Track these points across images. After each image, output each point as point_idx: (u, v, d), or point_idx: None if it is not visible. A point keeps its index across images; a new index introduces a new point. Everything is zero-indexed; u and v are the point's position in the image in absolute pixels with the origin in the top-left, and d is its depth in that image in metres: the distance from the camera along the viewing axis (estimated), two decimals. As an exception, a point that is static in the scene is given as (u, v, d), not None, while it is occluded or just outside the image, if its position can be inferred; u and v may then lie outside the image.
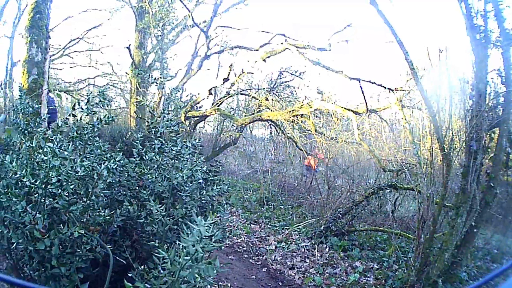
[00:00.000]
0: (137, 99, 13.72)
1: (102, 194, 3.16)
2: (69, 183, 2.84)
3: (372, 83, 9.02)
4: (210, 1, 16.37)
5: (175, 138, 3.54)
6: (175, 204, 3.32)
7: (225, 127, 15.28)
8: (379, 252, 7.69)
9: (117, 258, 3.05)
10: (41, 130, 3.22)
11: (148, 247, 3.20)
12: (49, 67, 7.27)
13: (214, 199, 3.56)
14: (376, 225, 8.71)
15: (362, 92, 8.87)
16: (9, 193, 2.60)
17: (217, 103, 12.44)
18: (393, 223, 8.42)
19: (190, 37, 15.94)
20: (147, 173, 3.47)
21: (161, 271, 2.53)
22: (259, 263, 7.14)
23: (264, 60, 11.36)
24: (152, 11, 13.45)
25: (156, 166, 3.55)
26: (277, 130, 13.73)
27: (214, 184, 3.53)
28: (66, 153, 2.82)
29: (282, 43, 11.03)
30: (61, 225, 2.76)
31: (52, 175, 2.72)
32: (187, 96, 12.48)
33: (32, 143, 3.08)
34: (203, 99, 11.77)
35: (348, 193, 9.68)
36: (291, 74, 12.93)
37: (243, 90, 13.43)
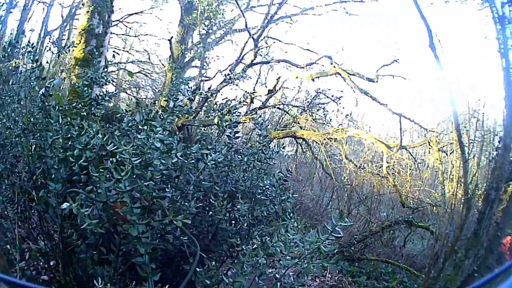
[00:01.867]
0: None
1: (200, 186, 3.32)
2: (174, 170, 3.13)
3: (411, 120, 9.48)
4: (259, 10, 16.95)
5: (262, 142, 3.85)
6: (254, 206, 3.56)
7: (252, 137, 15.17)
8: (384, 283, 8.09)
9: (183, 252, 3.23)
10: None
11: (225, 243, 3.56)
12: (108, 42, 7.31)
13: (288, 205, 3.78)
14: (386, 257, 9.08)
15: (401, 128, 9.32)
16: (115, 168, 2.76)
17: (251, 112, 12.65)
18: (401, 257, 8.92)
19: (232, 43, 16.10)
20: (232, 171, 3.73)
21: (245, 268, 2.90)
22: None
23: (312, 80, 11.67)
24: (200, 8, 13.91)
25: (242, 166, 3.78)
26: (303, 149, 14.04)
27: (286, 191, 3.81)
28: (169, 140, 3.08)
29: (334, 66, 11.21)
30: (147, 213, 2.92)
31: (155, 159, 2.90)
32: (223, 99, 12.49)
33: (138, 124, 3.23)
34: (242, 105, 11.79)
35: (366, 222, 10.16)
36: (327, 97, 13.22)
37: (280, 104, 13.90)
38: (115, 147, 2.85)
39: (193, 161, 3.22)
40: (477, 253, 5.11)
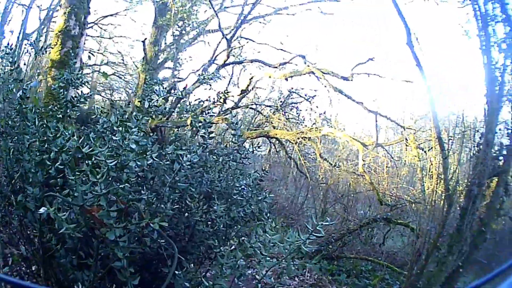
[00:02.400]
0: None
1: (175, 187, 3.31)
2: (149, 172, 3.14)
3: (388, 118, 9.53)
4: (232, 10, 16.96)
5: (237, 142, 3.84)
6: (231, 207, 3.53)
7: (225, 137, 15.02)
8: (365, 281, 8.08)
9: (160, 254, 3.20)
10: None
11: (202, 245, 3.52)
12: (84, 43, 7.18)
13: (265, 205, 3.75)
14: (365, 255, 9.10)
15: (376, 126, 9.39)
16: (91, 171, 2.73)
17: (224, 113, 12.57)
18: (381, 255, 8.96)
19: (205, 43, 16.15)
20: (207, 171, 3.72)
21: (224, 270, 2.88)
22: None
23: (286, 79, 11.60)
24: (174, 9, 13.85)
25: (217, 167, 3.77)
26: (276, 149, 14.14)
27: (262, 191, 3.81)
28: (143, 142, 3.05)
29: (308, 66, 11.23)
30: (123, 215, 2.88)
31: (131, 161, 2.87)
32: (195, 100, 12.32)
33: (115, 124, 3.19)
34: (215, 106, 11.75)
35: (343, 221, 10.20)
36: (300, 96, 13.13)
37: (253, 104, 13.89)
38: (91, 149, 2.81)
39: (168, 162, 3.20)
40: (461, 249, 5.13)
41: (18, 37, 16.74)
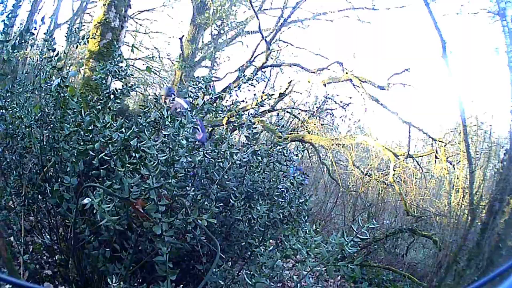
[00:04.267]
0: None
1: (223, 185, 3.34)
2: (200, 168, 3.12)
3: (420, 130, 9.55)
4: (270, 13, 17.07)
5: (282, 144, 3.79)
6: (272, 207, 3.49)
7: (260, 139, 15.13)
8: (385, 291, 8.17)
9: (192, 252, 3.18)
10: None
11: (238, 244, 3.51)
12: (124, 36, 7.03)
13: (306, 207, 3.75)
14: (388, 264, 9.06)
15: (409, 137, 9.42)
16: (144, 164, 2.71)
17: (261, 115, 12.48)
18: (403, 265, 9.01)
19: (243, 44, 16.39)
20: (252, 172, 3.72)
21: (263, 269, 2.90)
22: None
23: (324, 85, 11.70)
24: (213, 8, 13.95)
25: (261, 168, 3.75)
26: (309, 154, 14.11)
27: (303, 194, 3.76)
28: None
29: (346, 73, 11.19)
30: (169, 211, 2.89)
31: (181, 156, 2.88)
32: (232, 101, 12.25)
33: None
34: (253, 108, 11.52)
35: (369, 229, 10.23)
36: (336, 103, 13.09)
37: (289, 108, 13.81)
38: (142, 142, 2.79)
39: (219, 160, 3.18)
40: (479, 264, 5.14)
41: (49, 27, 16.92)
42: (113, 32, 6.39)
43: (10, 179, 4.00)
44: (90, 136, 3.20)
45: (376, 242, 9.13)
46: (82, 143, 3.29)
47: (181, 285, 3.47)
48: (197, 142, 3.31)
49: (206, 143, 3.07)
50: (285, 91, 11.61)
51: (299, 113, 13.97)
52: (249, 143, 3.66)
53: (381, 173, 11.17)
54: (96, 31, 6.30)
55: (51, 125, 3.69)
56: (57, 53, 3.71)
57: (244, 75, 10.83)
